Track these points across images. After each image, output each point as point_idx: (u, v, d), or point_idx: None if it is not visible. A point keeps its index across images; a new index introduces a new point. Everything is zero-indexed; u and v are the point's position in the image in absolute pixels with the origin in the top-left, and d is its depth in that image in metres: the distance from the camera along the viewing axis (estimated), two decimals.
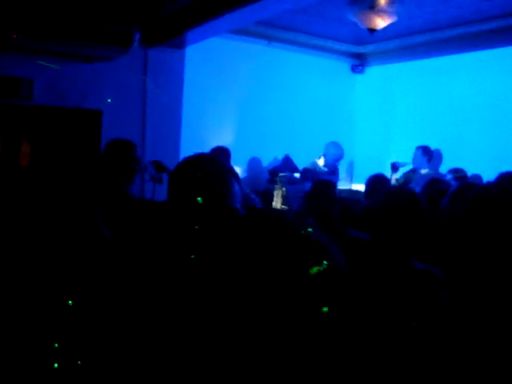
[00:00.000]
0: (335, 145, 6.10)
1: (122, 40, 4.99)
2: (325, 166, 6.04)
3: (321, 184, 4.12)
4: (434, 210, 3.61)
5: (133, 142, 3.57)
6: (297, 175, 6.35)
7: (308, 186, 5.83)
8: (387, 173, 6.04)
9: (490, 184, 3.89)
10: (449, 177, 4.75)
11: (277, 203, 5.69)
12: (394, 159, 6.16)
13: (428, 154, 6.15)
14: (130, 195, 3.34)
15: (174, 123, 6.05)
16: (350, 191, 6.51)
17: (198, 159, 1.71)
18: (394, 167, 5.73)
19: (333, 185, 4.24)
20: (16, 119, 5.21)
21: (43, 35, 4.67)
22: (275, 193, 5.74)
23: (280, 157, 6.68)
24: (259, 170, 6.86)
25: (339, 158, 6.08)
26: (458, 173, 4.90)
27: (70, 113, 5.48)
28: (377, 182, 4.47)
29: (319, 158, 6.19)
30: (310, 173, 5.98)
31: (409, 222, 1.82)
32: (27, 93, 5.13)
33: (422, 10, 5.54)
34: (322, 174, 5.94)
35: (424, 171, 5.67)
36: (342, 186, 6.88)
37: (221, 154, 5.02)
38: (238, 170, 6.50)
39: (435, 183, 3.91)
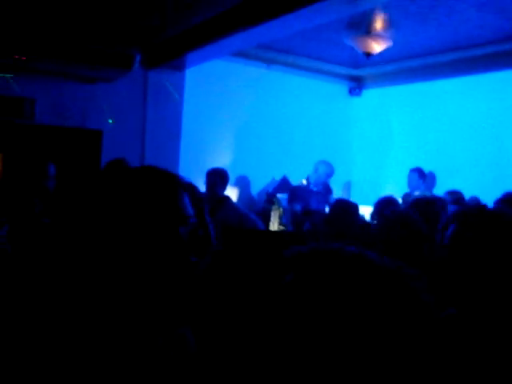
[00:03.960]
0: (324, 162, 6.17)
1: (123, 62, 5.10)
2: (314, 185, 6.09)
3: (343, 204, 4.10)
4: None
5: (125, 160, 3.63)
6: None
7: (297, 206, 5.89)
8: (384, 193, 6.11)
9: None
10: (446, 198, 4.79)
11: (274, 224, 5.74)
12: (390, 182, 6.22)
13: (423, 177, 6.24)
14: None
15: (174, 144, 6.13)
16: None
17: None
18: None
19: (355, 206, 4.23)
20: (18, 138, 5.29)
21: (46, 56, 4.78)
22: (272, 213, 5.80)
23: (278, 178, 6.75)
24: (256, 191, 6.93)
25: (329, 174, 6.14)
26: (454, 195, 4.95)
27: (71, 132, 5.56)
28: (385, 204, 4.39)
29: (305, 178, 6.24)
30: (300, 192, 6.01)
31: None
32: (29, 112, 5.22)
33: (416, 36, 5.66)
34: (314, 193, 5.98)
35: (417, 193, 5.73)
36: None
37: (217, 176, 5.06)
38: (236, 190, 6.56)
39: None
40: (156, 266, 1.26)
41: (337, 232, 3.75)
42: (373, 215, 4.24)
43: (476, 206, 1.82)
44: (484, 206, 1.80)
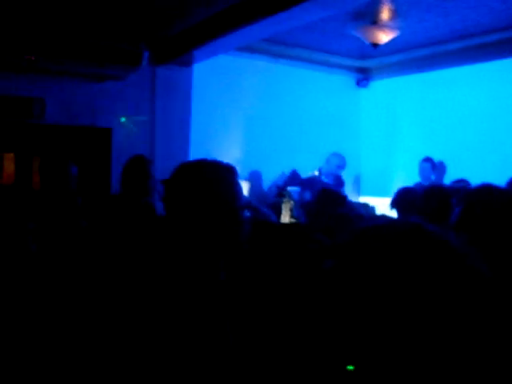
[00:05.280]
0: (336, 154, 6.22)
1: (131, 59, 5.12)
2: (326, 176, 6.15)
3: (327, 193, 3.97)
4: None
5: (146, 157, 3.74)
6: None
7: (307, 195, 5.91)
8: (394, 184, 6.12)
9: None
10: None
11: (285, 217, 5.76)
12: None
13: (434, 166, 6.24)
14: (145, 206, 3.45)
15: (183, 140, 6.15)
16: (359, 204, 6.54)
17: (197, 164, 1.59)
18: None
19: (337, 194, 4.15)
20: (29, 138, 5.33)
21: (55, 55, 4.81)
22: (283, 206, 5.81)
23: (287, 171, 6.75)
24: (267, 185, 6.94)
25: (341, 166, 6.17)
26: (461, 183, 4.93)
27: (81, 131, 5.60)
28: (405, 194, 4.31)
29: (317, 170, 6.30)
30: (311, 182, 6.04)
31: None
32: (39, 112, 5.25)
33: (423, 24, 5.63)
34: (325, 184, 5.99)
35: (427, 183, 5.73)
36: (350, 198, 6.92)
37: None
38: (245, 184, 6.58)
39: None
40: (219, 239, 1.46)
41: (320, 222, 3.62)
42: (392, 205, 4.20)
43: (482, 185, 1.80)
44: (490, 186, 1.79)
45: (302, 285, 1.27)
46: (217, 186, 1.48)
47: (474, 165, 6.20)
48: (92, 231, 3.05)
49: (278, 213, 5.76)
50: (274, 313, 1.34)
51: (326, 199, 3.81)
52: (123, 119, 5.61)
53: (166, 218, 1.54)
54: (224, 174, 1.52)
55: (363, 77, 7.78)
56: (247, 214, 3.39)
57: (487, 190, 1.73)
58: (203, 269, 1.43)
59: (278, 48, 6.63)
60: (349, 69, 7.64)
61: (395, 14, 5.13)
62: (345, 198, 4.16)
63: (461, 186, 4.09)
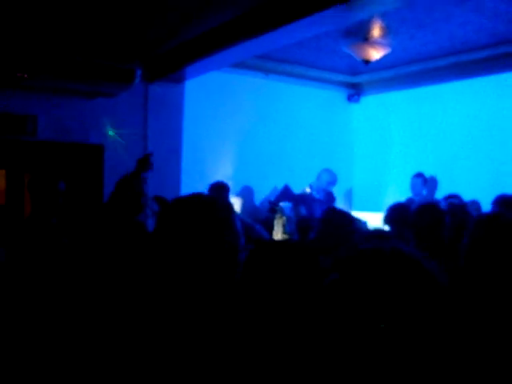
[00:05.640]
0: (327, 170, 6.26)
1: (124, 77, 5.12)
2: (317, 192, 6.19)
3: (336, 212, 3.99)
4: None
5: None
6: None
7: (302, 210, 5.93)
8: (386, 199, 6.16)
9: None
10: (444, 203, 4.81)
11: (277, 233, 5.75)
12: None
13: (426, 181, 6.29)
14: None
15: (175, 156, 6.14)
16: None
17: (195, 199, 1.53)
18: None
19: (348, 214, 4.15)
20: (20, 155, 5.31)
21: (47, 73, 4.80)
22: (275, 222, 5.81)
23: (280, 187, 6.76)
24: (259, 200, 6.94)
25: (332, 183, 6.22)
26: (453, 199, 4.97)
27: (73, 148, 5.58)
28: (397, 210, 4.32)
29: (308, 186, 6.33)
30: (305, 197, 6.07)
31: None
32: (32, 129, 5.24)
33: (413, 41, 5.70)
34: (317, 201, 6.03)
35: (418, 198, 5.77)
36: None
37: (219, 190, 5.11)
38: (238, 200, 6.58)
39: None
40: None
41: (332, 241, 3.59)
42: (385, 220, 4.26)
43: (490, 214, 1.87)
44: (498, 214, 1.85)
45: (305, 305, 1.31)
46: (216, 228, 1.43)
47: (466, 179, 6.25)
48: (75, 248, 3.03)
49: (270, 228, 5.76)
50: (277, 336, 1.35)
51: (332, 219, 3.84)
52: (111, 133, 5.59)
53: (158, 255, 1.48)
54: (224, 214, 1.48)
55: (354, 92, 7.83)
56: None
57: (495, 218, 1.79)
58: (193, 300, 1.39)
59: (271, 64, 6.67)
60: (340, 84, 7.69)
61: (386, 31, 5.18)
62: (352, 218, 4.15)
63: (453, 205, 4.15)
